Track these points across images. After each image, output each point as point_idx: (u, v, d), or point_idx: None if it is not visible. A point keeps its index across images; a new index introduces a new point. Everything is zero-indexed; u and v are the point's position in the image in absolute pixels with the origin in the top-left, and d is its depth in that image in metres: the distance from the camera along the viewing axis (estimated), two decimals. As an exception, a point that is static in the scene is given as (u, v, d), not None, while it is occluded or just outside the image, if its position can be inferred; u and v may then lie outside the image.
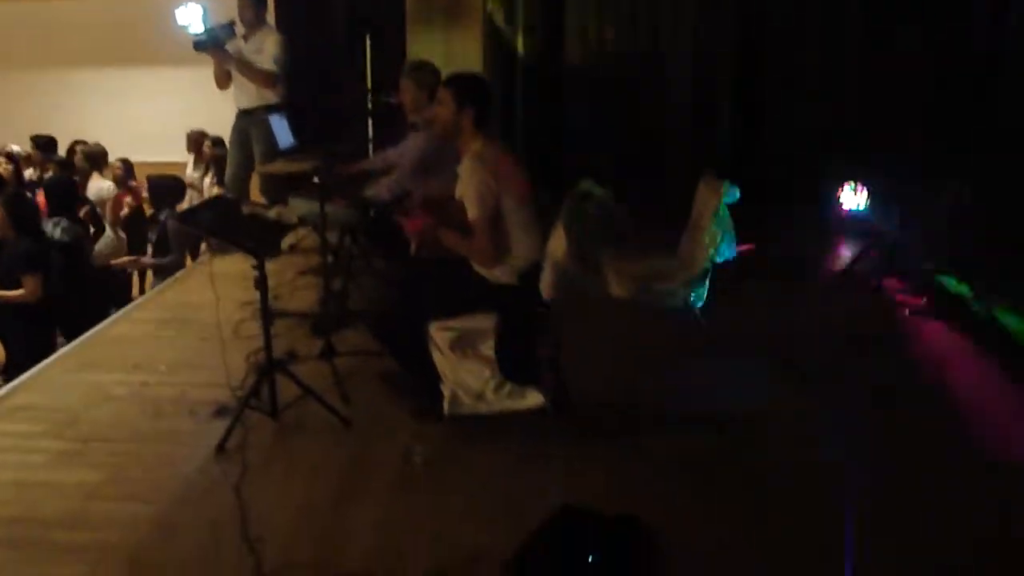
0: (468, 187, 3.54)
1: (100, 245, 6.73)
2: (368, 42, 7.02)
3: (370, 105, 6.50)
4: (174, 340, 4.89)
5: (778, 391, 4.22)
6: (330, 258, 5.36)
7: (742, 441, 3.75)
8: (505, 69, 8.02)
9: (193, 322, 5.08)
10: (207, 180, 8.19)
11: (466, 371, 3.55)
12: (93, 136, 8.10)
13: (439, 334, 3.59)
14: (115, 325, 5.19)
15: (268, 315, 3.69)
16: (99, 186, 7.48)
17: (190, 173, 8.39)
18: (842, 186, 7.56)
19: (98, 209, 7.16)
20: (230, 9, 6.10)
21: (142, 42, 9.46)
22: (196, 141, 8.49)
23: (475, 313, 3.61)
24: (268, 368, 3.75)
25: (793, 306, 5.43)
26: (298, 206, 4.94)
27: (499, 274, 3.61)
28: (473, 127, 3.63)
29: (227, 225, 3.33)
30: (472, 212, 3.52)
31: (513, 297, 3.58)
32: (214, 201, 3.63)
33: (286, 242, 6.12)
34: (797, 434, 3.82)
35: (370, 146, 6.27)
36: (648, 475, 3.46)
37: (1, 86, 10.40)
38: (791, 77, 8.01)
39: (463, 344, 3.57)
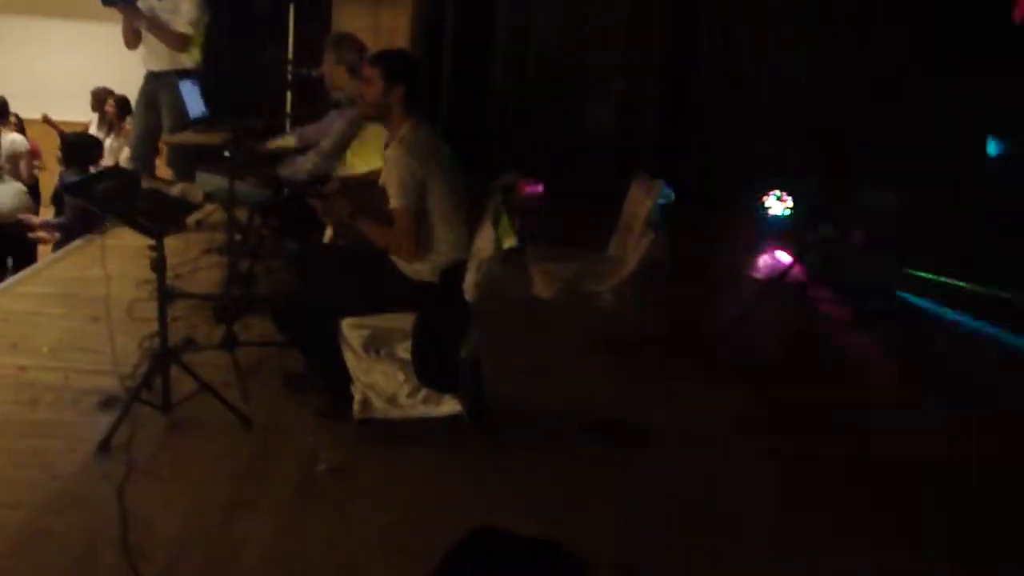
0: (392, 174, 3.27)
1: (6, 200, 6.25)
2: (292, 10, 6.64)
3: (290, 77, 6.13)
4: (60, 319, 4.50)
5: (703, 400, 4.09)
6: (238, 237, 5.03)
7: (667, 453, 3.61)
8: (432, 49, 7.74)
9: (84, 299, 4.68)
10: (109, 140, 7.73)
11: (379, 373, 3.29)
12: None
13: (351, 331, 3.31)
14: (-4, 298, 4.78)
15: (165, 300, 3.37)
16: (12, 139, 6.97)
17: (93, 132, 7.91)
18: (767, 192, 7.53)
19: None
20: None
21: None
22: (100, 99, 8.01)
23: (391, 311, 3.34)
24: (162, 357, 3.42)
25: (720, 311, 5.32)
26: (206, 181, 4.60)
27: (419, 270, 3.35)
28: (402, 108, 3.36)
29: (121, 200, 2.99)
30: (394, 201, 3.25)
31: (433, 296, 3.33)
32: (111, 171, 3.28)
33: (192, 219, 5.76)
34: (722, 446, 3.71)
35: (288, 121, 5.92)
36: (569, 491, 3.27)
37: None
38: (722, 75, 7.92)
39: (377, 344, 3.30)
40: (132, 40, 5.77)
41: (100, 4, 5.48)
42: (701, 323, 5.11)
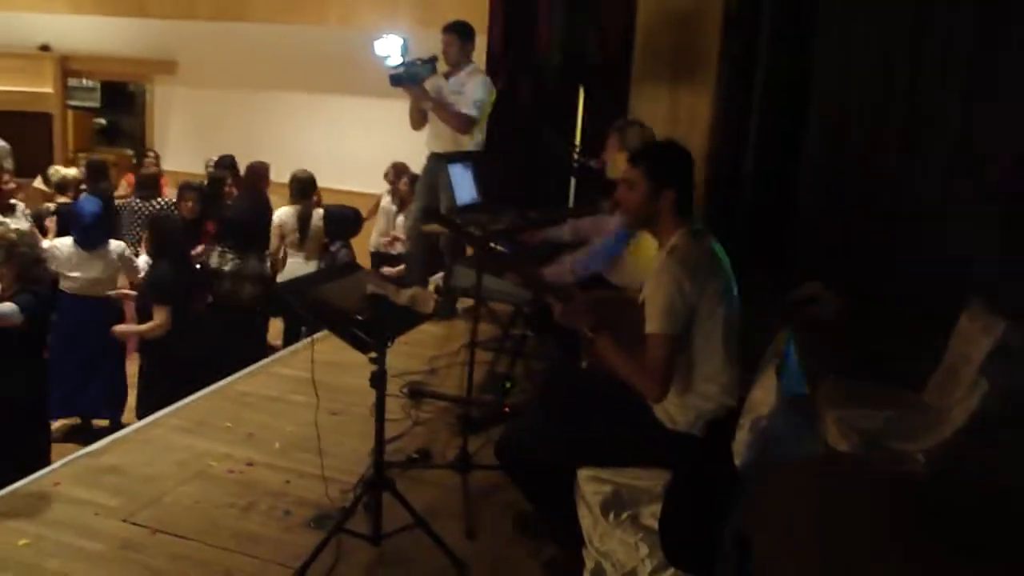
0: (656, 291, 2.62)
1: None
2: (582, 92, 6.24)
3: (575, 166, 5.70)
4: (300, 409, 4.24)
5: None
6: (501, 333, 4.65)
7: None
8: (737, 136, 7.03)
9: (332, 388, 4.42)
10: (401, 218, 7.73)
11: (618, 541, 2.63)
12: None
13: (589, 485, 2.70)
14: (249, 378, 4.64)
15: (382, 421, 2.94)
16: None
17: (387, 204, 7.98)
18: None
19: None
20: (435, 44, 5.51)
21: (340, 71, 9.21)
22: (398, 173, 8.06)
23: (641, 465, 2.69)
24: (375, 484, 2.99)
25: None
26: (462, 276, 4.25)
27: (677, 417, 2.67)
28: (674, 215, 2.74)
29: (336, 308, 2.61)
30: (652, 324, 2.60)
31: (694, 453, 2.64)
32: (335, 270, 2.93)
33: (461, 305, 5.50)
34: None
35: (569, 213, 5.48)
36: None
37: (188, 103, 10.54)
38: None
39: (619, 505, 2.65)
40: (418, 121, 5.61)
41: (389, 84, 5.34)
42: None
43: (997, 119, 6.12)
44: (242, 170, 7.46)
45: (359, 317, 2.59)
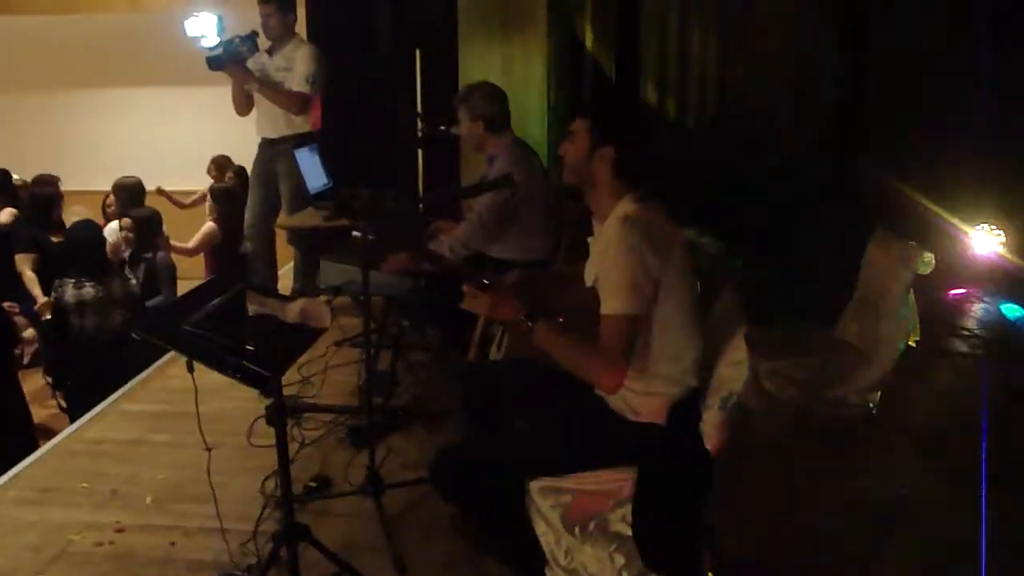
0: (613, 267, 2.26)
1: None
2: (419, 56, 5.78)
3: (420, 134, 5.27)
4: (167, 450, 3.70)
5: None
6: (372, 326, 4.20)
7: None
8: (574, 85, 6.80)
9: (201, 418, 3.89)
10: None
11: (588, 555, 2.30)
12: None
13: (544, 499, 2.35)
14: (97, 421, 4.02)
15: (286, 461, 2.48)
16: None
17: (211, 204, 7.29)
18: (974, 225, 6.33)
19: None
20: (251, 19, 4.94)
21: (149, 60, 8.38)
22: (221, 168, 7.40)
23: (599, 466, 2.36)
24: (288, 535, 2.54)
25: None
26: (332, 272, 3.79)
27: (640, 406, 2.35)
28: (612, 176, 2.40)
29: (217, 341, 2.12)
30: (612, 303, 2.23)
31: (659, 443, 2.33)
32: (199, 292, 2.41)
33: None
34: None
35: (420, 184, 5.06)
36: None
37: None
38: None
39: (582, 515, 2.33)
40: (243, 105, 5.03)
41: (207, 69, 4.74)
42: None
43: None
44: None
45: (249, 348, 2.11)
